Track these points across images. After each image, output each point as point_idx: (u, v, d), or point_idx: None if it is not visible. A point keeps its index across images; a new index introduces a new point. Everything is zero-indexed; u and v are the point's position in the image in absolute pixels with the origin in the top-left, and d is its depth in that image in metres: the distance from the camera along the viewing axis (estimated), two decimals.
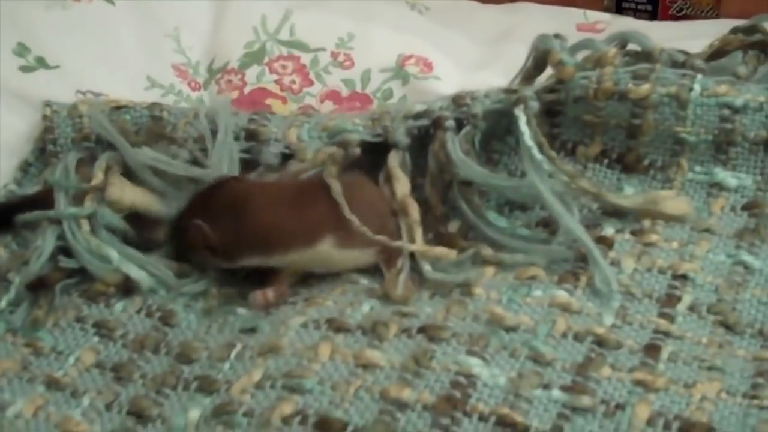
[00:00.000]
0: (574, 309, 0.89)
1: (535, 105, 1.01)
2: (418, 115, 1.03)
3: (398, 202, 0.98)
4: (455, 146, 1.00)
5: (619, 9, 1.55)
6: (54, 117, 1.11)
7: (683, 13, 1.53)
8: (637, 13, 1.55)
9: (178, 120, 1.06)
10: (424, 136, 1.03)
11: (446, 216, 1.01)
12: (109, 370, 0.88)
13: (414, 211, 0.98)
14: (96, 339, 0.90)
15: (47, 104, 1.12)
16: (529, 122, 1.00)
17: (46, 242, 0.96)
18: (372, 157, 1.02)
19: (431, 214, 1.01)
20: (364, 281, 0.95)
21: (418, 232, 0.97)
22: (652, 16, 1.54)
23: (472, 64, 1.34)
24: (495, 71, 1.28)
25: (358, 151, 1.00)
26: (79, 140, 1.08)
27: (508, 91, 1.04)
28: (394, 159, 1.01)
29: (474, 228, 1.00)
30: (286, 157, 1.03)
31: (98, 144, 1.07)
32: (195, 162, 1.01)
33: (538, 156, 0.98)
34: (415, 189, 1.01)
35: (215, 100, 1.16)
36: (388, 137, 1.02)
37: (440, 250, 0.95)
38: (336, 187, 0.94)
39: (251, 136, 1.04)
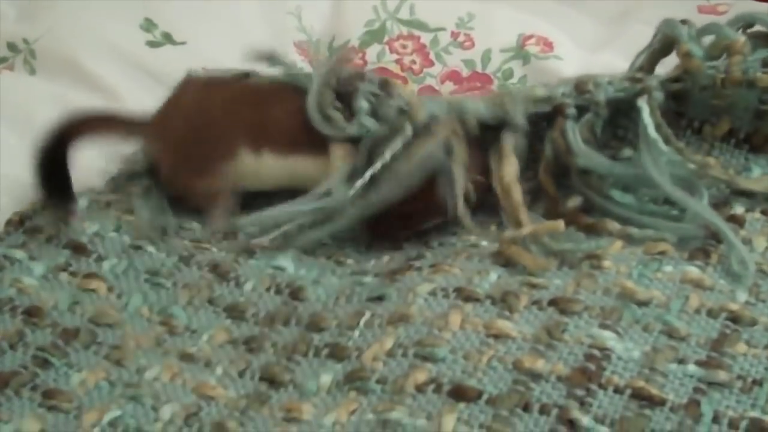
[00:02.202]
0: (706, 285, 0.88)
1: (659, 95, 0.99)
2: (539, 100, 1.01)
3: (503, 184, 0.97)
4: (576, 135, 0.98)
5: None
6: None
7: None
8: None
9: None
10: (542, 120, 1.02)
11: (563, 196, 1.00)
12: (242, 344, 0.89)
13: (517, 194, 0.97)
14: (228, 321, 0.91)
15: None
16: (652, 113, 0.98)
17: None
18: (490, 136, 1.01)
19: (546, 197, 1.00)
20: (484, 242, 0.95)
21: (523, 212, 0.95)
22: None
23: (592, 44, 1.33)
24: (616, 51, 1.27)
25: (476, 127, 0.99)
26: None
27: (633, 79, 1.01)
28: (508, 139, 0.99)
29: (598, 207, 0.98)
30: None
31: None
32: None
33: (664, 148, 0.96)
34: (527, 171, 1.00)
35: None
36: (506, 118, 1.00)
37: (550, 224, 0.93)
38: (458, 171, 0.95)
39: (384, 84, 1.02)
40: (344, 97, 1.02)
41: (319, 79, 1.00)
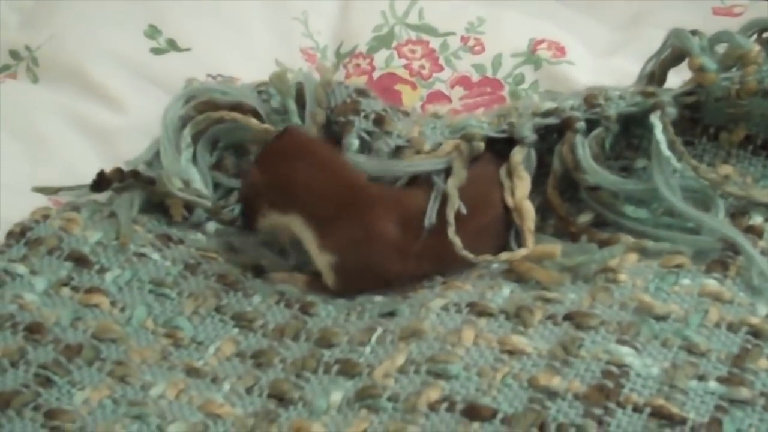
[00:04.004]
0: (725, 298, 0.86)
1: (672, 111, 0.96)
2: (547, 113, 0.99)
3: (515, 202, 0.95)
4: (585, 150, 0.96)
5: None
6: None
7: None
8: None
9: None
10: (551, 134, 0.99)
11: (572, 213, 0.98)
12: (249, 358, 0.87)
13: (529, 217, 0.94)
14: (236, 330, 0.89)
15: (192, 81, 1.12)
16: (665, 129, 0.95)
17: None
18: (498, 154, 0.99)
19: (555, 214, 0.98)
20: (494, 265, 0.92)
21: (530, 239, 0.93)
22: None
23: (605, 48, 1.31)
24: (629, 56, 1.24)
25: (482, 145, 0.97)
26: None
27: (645, 93, 0.99)
28: (518, 155, 0.97)
29: (611, 223, 0.96)
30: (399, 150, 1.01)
31: None
32: None
33: (677, 165, 0.94)
34: (537, 186, 0.98)
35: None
36: (514, 133, 0.98)
37: (543, 249, 0.91)
38: (453, 191, 0.93)
39: (379, 121, 1.02)
40: (336, 124, 1.02)
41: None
